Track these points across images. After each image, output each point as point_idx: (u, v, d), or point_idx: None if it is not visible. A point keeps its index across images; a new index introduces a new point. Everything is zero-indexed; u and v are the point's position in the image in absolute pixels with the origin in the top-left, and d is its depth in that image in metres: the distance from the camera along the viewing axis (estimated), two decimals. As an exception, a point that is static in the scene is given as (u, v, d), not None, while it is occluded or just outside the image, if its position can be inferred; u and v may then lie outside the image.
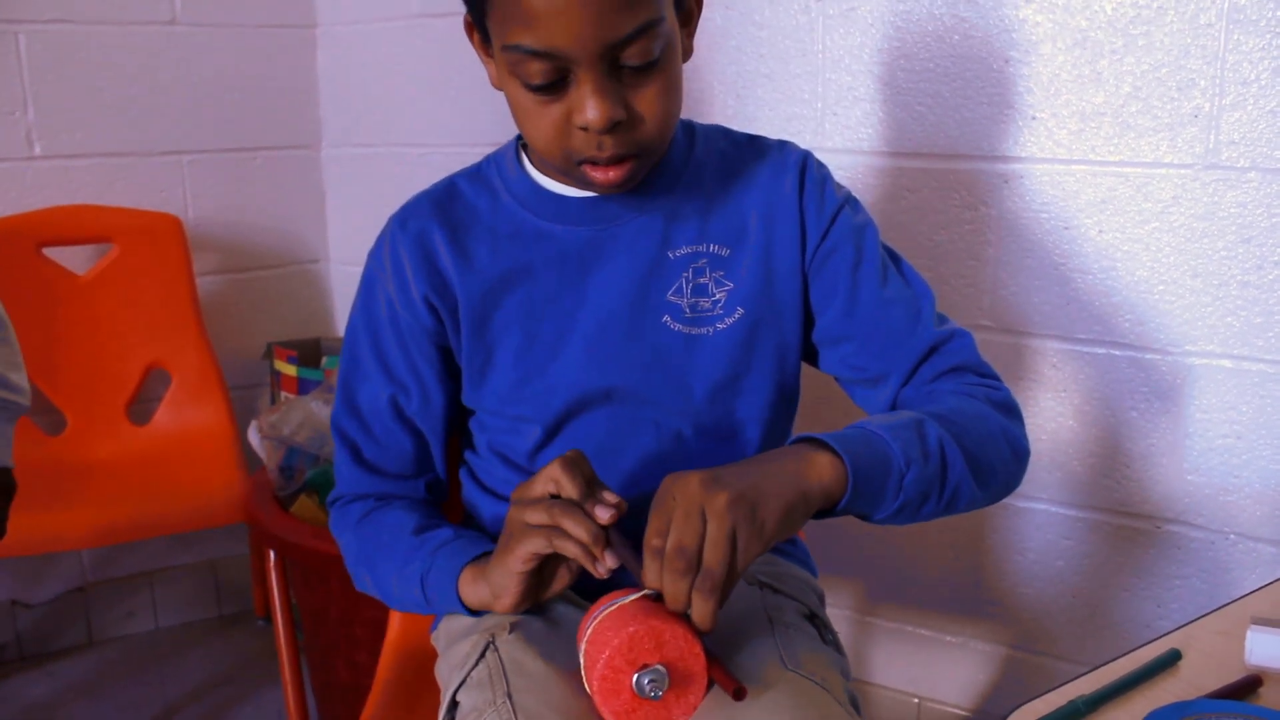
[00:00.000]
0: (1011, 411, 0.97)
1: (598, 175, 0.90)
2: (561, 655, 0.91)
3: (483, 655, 0.93)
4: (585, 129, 0.87)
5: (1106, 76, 1.43)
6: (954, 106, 1.55)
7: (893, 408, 1.00)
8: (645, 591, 0.79)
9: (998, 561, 1.63)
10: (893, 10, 1.57)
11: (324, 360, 2.20)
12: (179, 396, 2.17)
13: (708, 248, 0.99)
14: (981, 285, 1.57)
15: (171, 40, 2.19)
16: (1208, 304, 1.41)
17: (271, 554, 1.77)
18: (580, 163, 0.90)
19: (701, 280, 0.98)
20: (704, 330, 0.98)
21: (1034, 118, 1.49)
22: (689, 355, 0.99)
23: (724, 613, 0.96)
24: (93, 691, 2.11)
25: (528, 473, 1.03)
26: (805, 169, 1.01)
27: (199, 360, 2.17)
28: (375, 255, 1.04)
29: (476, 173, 1.05)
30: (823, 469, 0.83)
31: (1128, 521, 1.52)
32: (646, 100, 0.88)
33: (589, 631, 0.80)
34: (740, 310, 0.98)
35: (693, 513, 0.77)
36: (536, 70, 0.84)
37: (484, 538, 0.98)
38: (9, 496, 1.14)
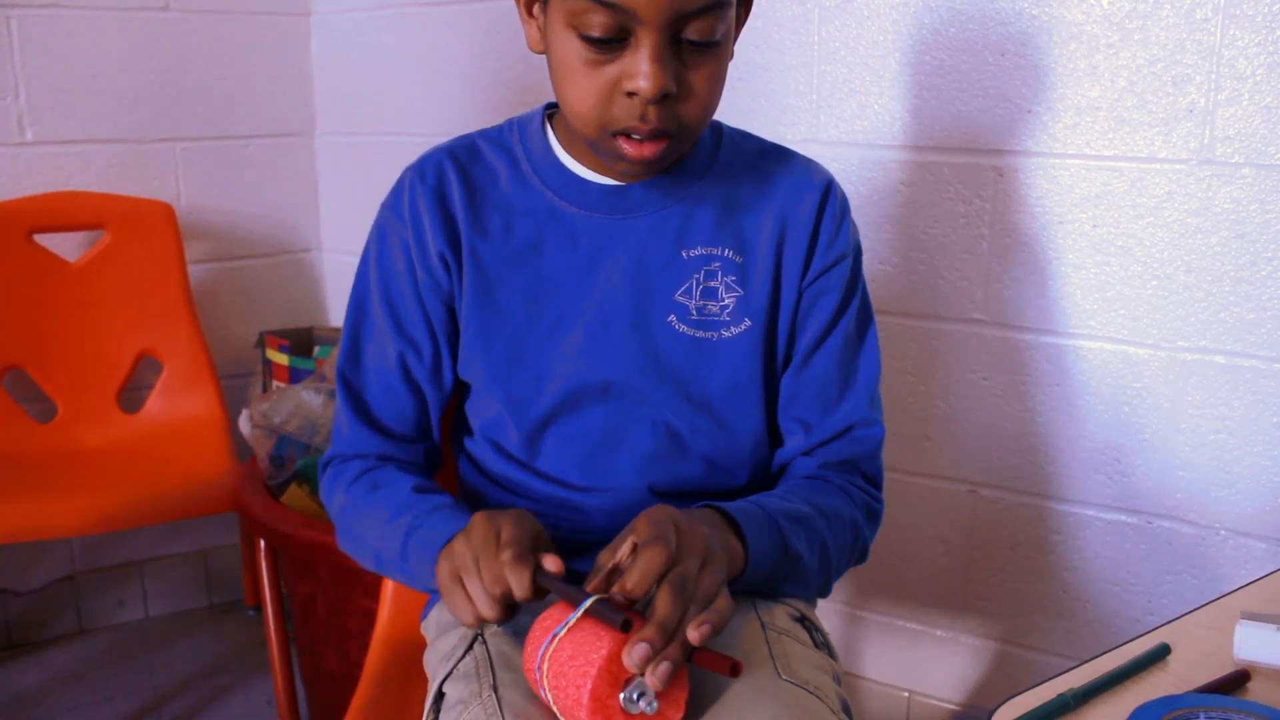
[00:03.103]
0: (876, 522, 1.04)
1: (630, 149, 0.88)
2: None
3: (470, 648, 0.93)
4: (633, 95, 0.85)
5: (1102, 71, 1.42)
6: (949, 99, 1.54)
7: (783, 467, 1.04)
8: (581, 609, 0.77)
9: (988, 556, 1.64)
10: (888, 3, 1.56)
11: (316, 350, 2.19)
12: (170, 385, 2.16)
13: (722, 251, 0.98)
14: (975, 279, 1.57)
15: (165, 26, 2.17)
16: (1201, 299, 1.41)
17: (262, 543, 1.77)
18: (616, 134, 0.88)
19: (712, 284, 0.97)
20: (709, 335, 0.98)
21: (1029, 111, 1.48)
22: (691, 358, 0.98)
23: None
24: (82, 680, 2.11)
25: (521, 464, 1.02)
26: (830, 192, 1.00)
27: (190, 348, 2.16)
28: (392, 206, 1.02)
29: (497, 137, 1.02)
30: (735, 563, 0.88)
31: (1118, 516, 1.52)
32: (698, 81, 0.87)
33: (546, 668, 0.78)
34: (748, 321, 0.98)
35: (698, 552, 0.80)
36: (599, 23, 0.83)
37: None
38: None
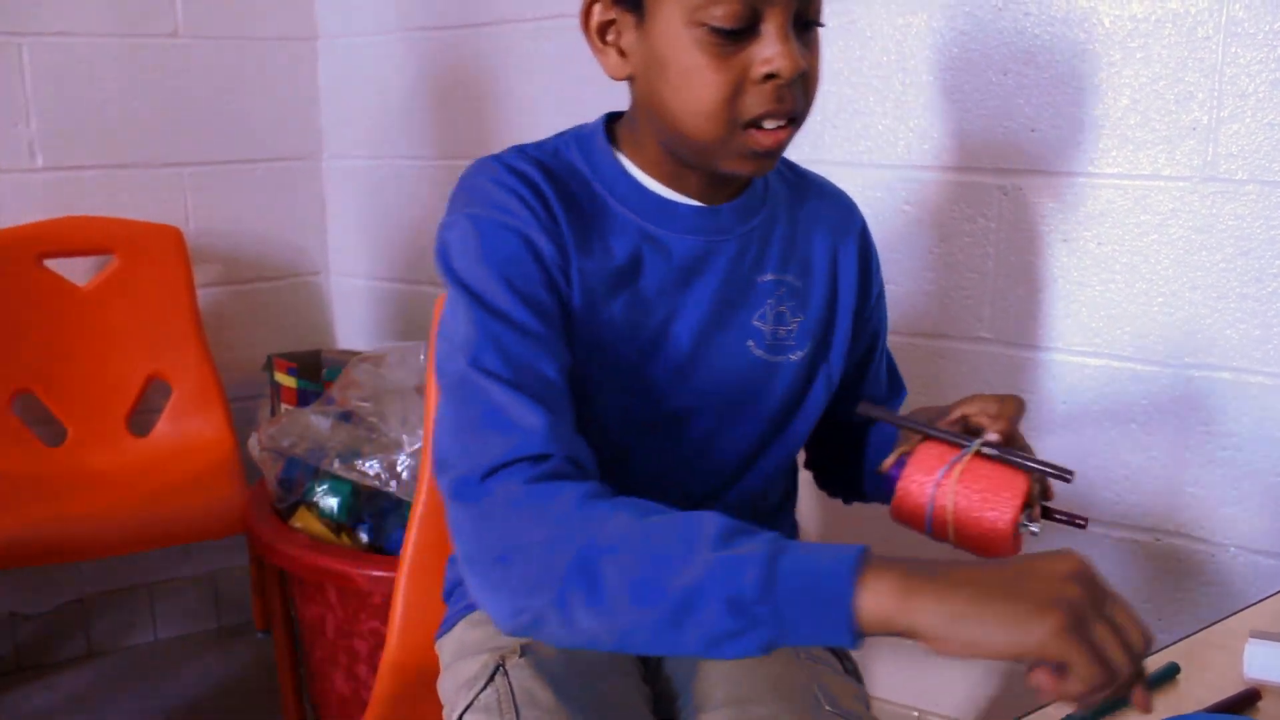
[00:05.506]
0: None
1: (764, 139, 0.85)
2: (573, 687, 0.89)
3: (491, 679, 0.91)
4: (769, 78, 0.83)
5: (1104, 89, 1.43)
6: (953, 119, 1.55)
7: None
8: (976, 449, 0.88)
9: (998, 574, 1.63)
10: (891, 24, 1.57)
11: (324, 372, 2.20)
12: (179, 408, 2.17)
13: (787, 276, 0.98)
14: (981, 297, 1.57)
15: (173, 52, 2.19)
16: (1206, 316, 1.41)
17: (271, 566, 1.77)
18: (748, 124, 0.85)
19: (781, 309, 0.98)
20: (779, 359, 0.98)
21: (1033, 130, 1.49)
22: (766, 382, 0.98)
23: None
24: (91, 703, 2.11)
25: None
26: (866, 230, 1.05)
27: (199, 372, 2.17)
28: (492, 205, 0.88)
29: (556, 153, 0.94)
30: None
31: (1127, 534, 1.51)
32: (814, 62, 0.88)
33: (956, 475, 0.86)
34: (808, 345, 0.99)
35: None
36: (728, 14, 0.81)
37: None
38: None
